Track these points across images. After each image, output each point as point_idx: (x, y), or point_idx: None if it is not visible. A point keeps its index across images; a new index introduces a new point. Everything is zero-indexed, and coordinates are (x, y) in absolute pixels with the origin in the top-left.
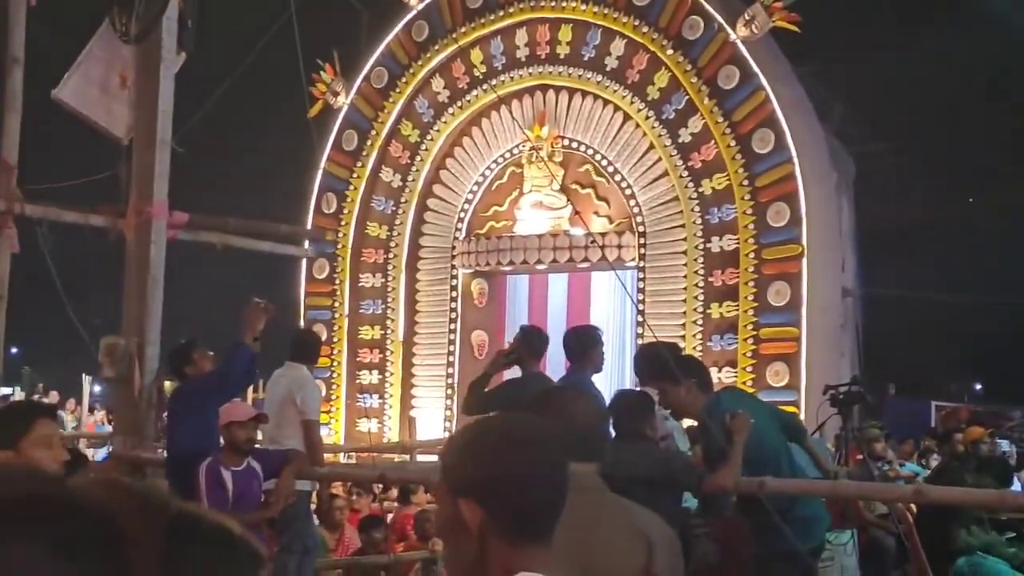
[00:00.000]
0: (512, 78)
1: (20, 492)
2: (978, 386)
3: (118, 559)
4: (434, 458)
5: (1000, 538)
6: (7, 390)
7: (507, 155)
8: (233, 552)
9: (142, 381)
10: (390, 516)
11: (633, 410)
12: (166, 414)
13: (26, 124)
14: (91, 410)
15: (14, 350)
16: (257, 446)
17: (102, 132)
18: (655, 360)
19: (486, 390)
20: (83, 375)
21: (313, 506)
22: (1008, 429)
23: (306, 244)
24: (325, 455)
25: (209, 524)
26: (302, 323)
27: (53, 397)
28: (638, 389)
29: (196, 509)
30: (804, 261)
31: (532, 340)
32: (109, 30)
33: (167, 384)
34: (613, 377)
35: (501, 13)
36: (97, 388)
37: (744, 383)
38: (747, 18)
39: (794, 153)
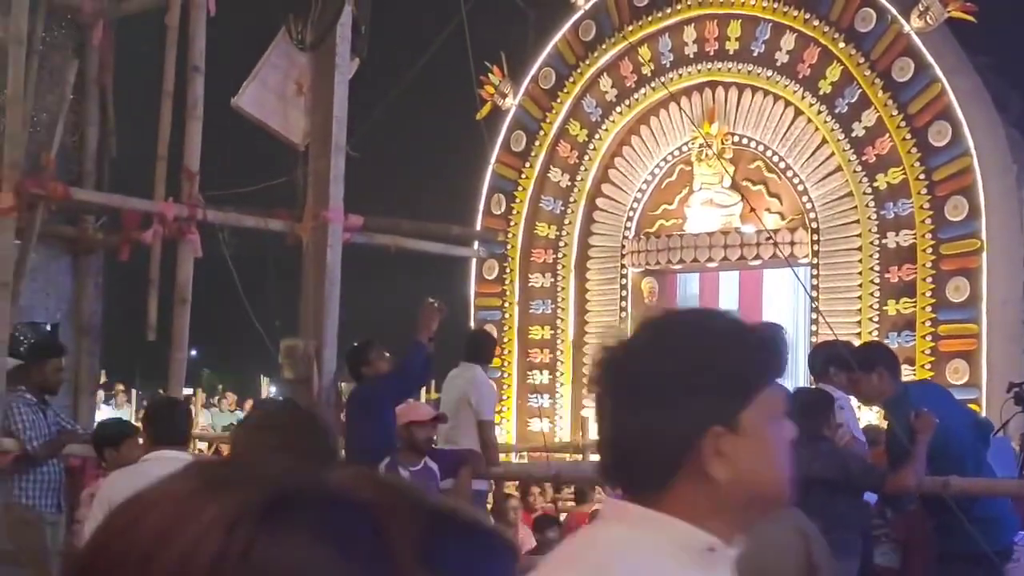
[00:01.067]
0: (680, 75)
1: (280, 484)
2: None
3: (381, 550)
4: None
5: None
6: (188, 391)
7: (676, 153)
8: (490, 546)
9: (320, 382)
10: (564, 516)
11: (810, 409)
12: (343, 415)
13: (206, 132)
14: None
15: (193, 352)
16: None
17: (279, 138)
18: (840, 353)
19: None
20: (261, 376)
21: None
22: None
23: (476, 245)
24: (500, 455)
25: (464, 518)
26: (472, 324)
27: (230, 399)
28: (814, 387)
29: (449, 503)
30: (983, 256)
31: None
32: (285, 38)
33: (344, 385)
34: (786, 376)
35: (669, 10)
36: (274, 389)
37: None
38: (921, 9)
39: (972, 146)
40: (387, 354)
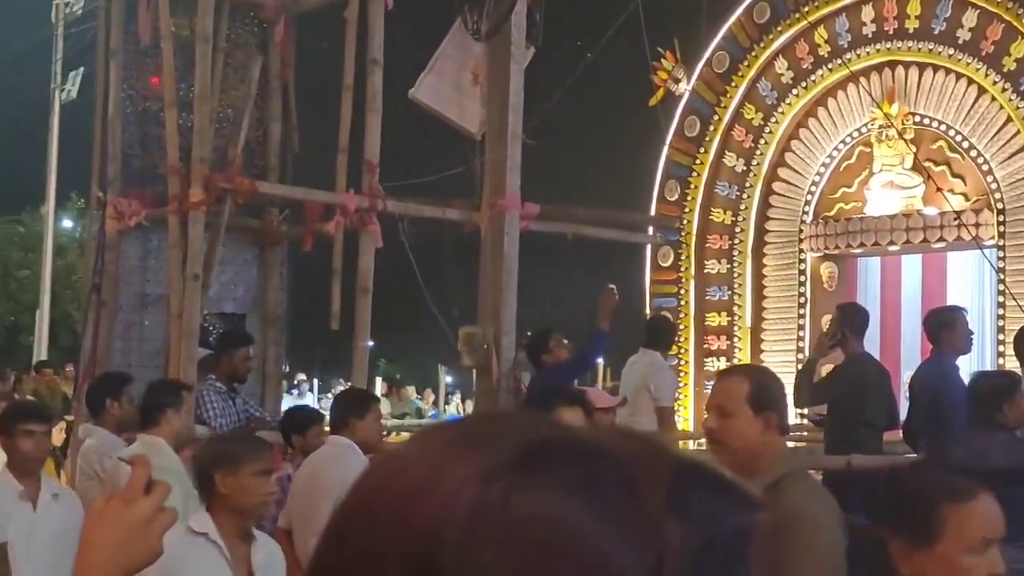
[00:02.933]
0: (859, 55)
1: (532, 438)
2: None
3: (631, 499)
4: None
5: None
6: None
7: (855, 134)
8: (734, 498)
9: (499, 369)
10: None
11: (986, 396)
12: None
13: (385, 123)
14: (446, 399)
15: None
16: None
17: (456, 128)
18: None
19: (815, 381)
20: (438, 365)
21: None
22: None
23: (651, 231)
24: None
25: (708, 470)
26: (648, 311)
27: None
28: (995, 371)
29: (693, 457)
30: None
31: (853, 318)
32: (461, 29)
33: (523, 373)
34: (972, 360)
35: None
36: (450, 378)
37: None
38: None
39: None
40: (566, 342)
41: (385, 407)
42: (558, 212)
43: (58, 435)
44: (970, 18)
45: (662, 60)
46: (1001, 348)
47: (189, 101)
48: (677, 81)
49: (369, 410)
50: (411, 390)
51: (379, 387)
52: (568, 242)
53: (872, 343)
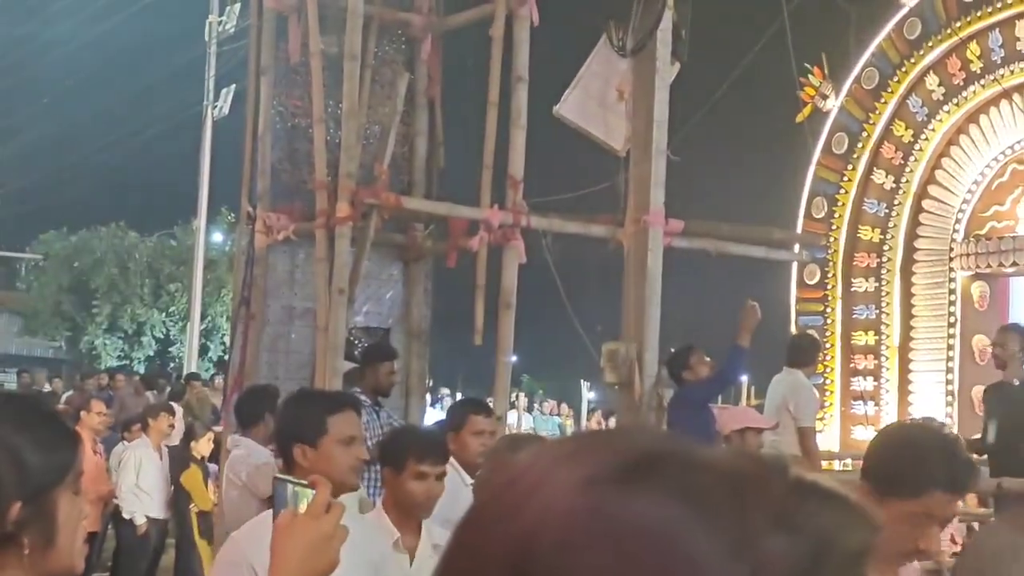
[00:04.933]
0: (1012, 71)
1: (639, 449)
2: None
3: (735, 512)
4: None
5: None
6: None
7: (1008, 151)
8: (849, 517)
9: (642, 386)
10: None
11: None
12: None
13: (530, 140)
14: (588, 416)
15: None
16: None
17: (601, 144)
18: None
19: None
20: (580, 381)
21: None
22: None
23: (797, 249)
24: (821, 462)
25: (827, 489)
26: (793, 329)
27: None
28: None
29: (814, 477)
30: None
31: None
32: (606, 45)
33: (665, 390)
34: None
35: (999, 4)
36: (593, 394)
37: None
38: None
39: None
40: (708, 359)
41: (528, 422)
42: (702, 228)
43: (206, 445)
44: None
45: (809, 76)
46: None
47: (337, 117)
48: (825, 97)
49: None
50: (552, 405)
51: (522, 402)
52: (712, 258)
53: None
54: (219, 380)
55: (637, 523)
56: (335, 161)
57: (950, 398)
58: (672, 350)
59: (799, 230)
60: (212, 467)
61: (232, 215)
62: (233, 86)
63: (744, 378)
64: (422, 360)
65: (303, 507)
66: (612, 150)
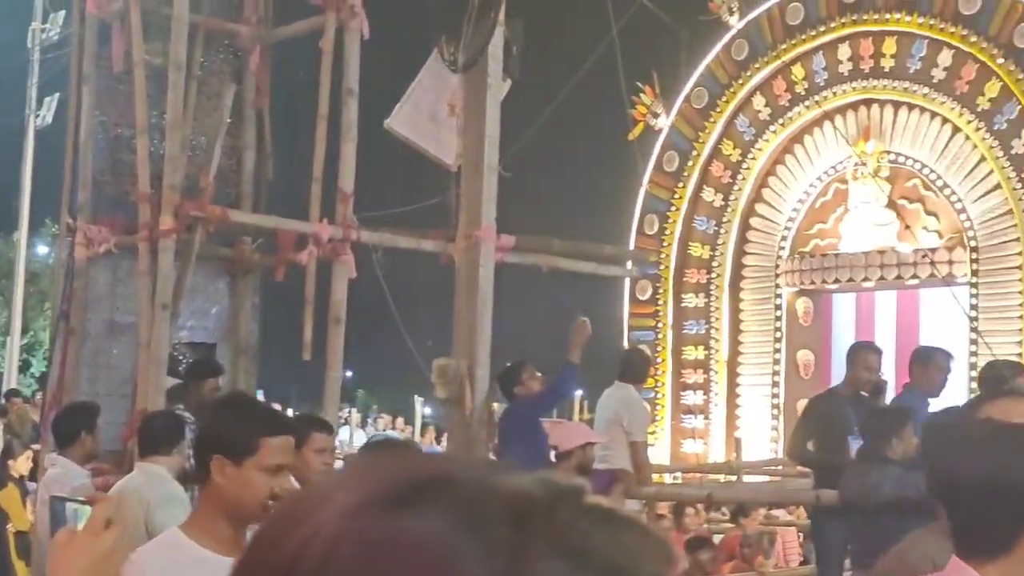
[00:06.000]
0: (835, 93)
1: (412, 475)
2: None
3: (512, 536)
4: (761, 478)
5: None
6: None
7: (831, 171)
8: (644, 545)
9: (473, 402)
10: (718, 538)
11: (875, 430)
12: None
13: (360, 154)
14: (422, 431)
15: (348, 373)
16: None
17: (432, 159)
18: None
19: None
20: (415, 397)
21: None
22: None
23: (629, 265)
24: (652, 475)
25: (621, 517)
26: (626, 344)
27: (384, 419)
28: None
29: (604, 502)
30: None
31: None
32: (438, 60)
33: (496, 405)
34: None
35: (823, 28)
36: (428, 410)
37: None
38: None
39: None
40: (539, 374)
41: (360, 438)
42: (534, 244)
43: (25, 463)
44: (945, 58)
45: (641, 95)
46: (974, 385)
47: (162, 128)
48: (656, 116)
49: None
50: (386, 421)
51: (354, 418)
52: (546, 274)
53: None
54: (40, 397)
55: (402, 548)
56: (159, 173)
57: (776, 411)
58: (508, 365)
59: (631, 246)
60: (31, 485)
61: (56, 227)
62: (57, 95)
63: (579, 392)
64: (249, 376)
65: (82, 525)
66: (444, 165)
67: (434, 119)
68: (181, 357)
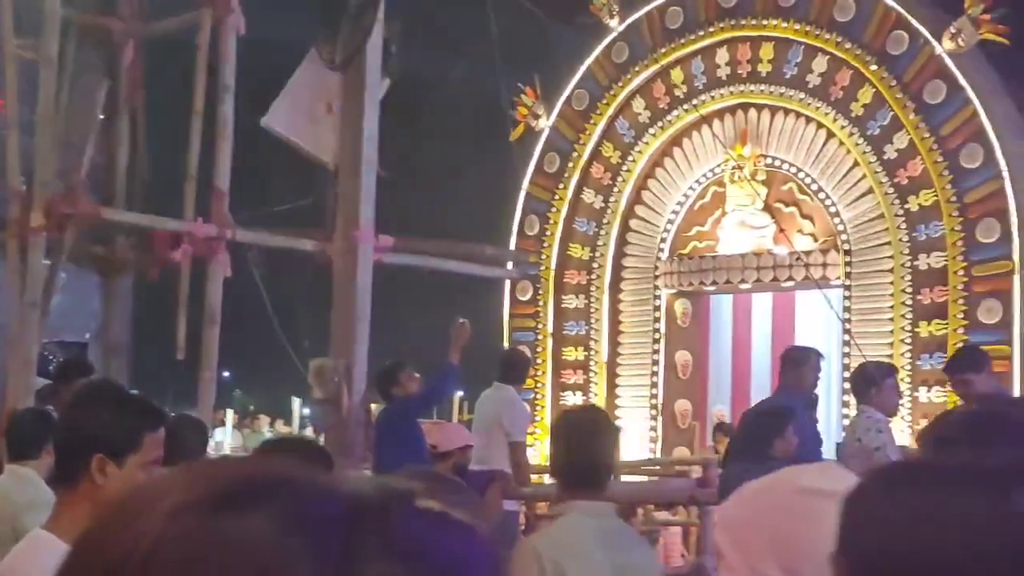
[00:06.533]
0: (713, 97)
1: (239, 476)
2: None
3: (342, 537)
4: (638, 478)
5: None
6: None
7: (709, 175)
8: (475, 547)
9: (350, 402)
10: None
11: (756, 430)
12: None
13: (236, 151)
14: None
15: (226, 373)
16: None
17: (309, 158)
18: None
19: None
20: (292, 397)
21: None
22: None
23: (509, 266)
24: (532, 476)
25: (456, 519)
26: (506, 345)
27: (261, 420)
28: (767, 406)
29: (439, 504)
30: (1016, 278)
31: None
32: (315, 58)
33: (373, 405)
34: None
35: (701, 33)
36: (307, 410)
37: (956, 403)
38: (953, 31)
39: (1004, 168)
40: (417, 375)
41: (237, 439)
42: (414, 245)
43: None
44: (820, 63)
45: (522, 96)
46: (846, 386)
47: (32, 125)
48: (537, 117)
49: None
50: (264, 421)
51: (230, 418)
52: (426, 275)
53: (723, 379)
54: None
55: (227, 548)
56: (30, 170)
57: (654, 411)
58: (385, 365)
59: (512, 247)
60: None
61: None
62: None
63: (459, 393)
64: (121, 376)
65: None
66: (321, 163)
67: (312, 117)
68: (52, 357)
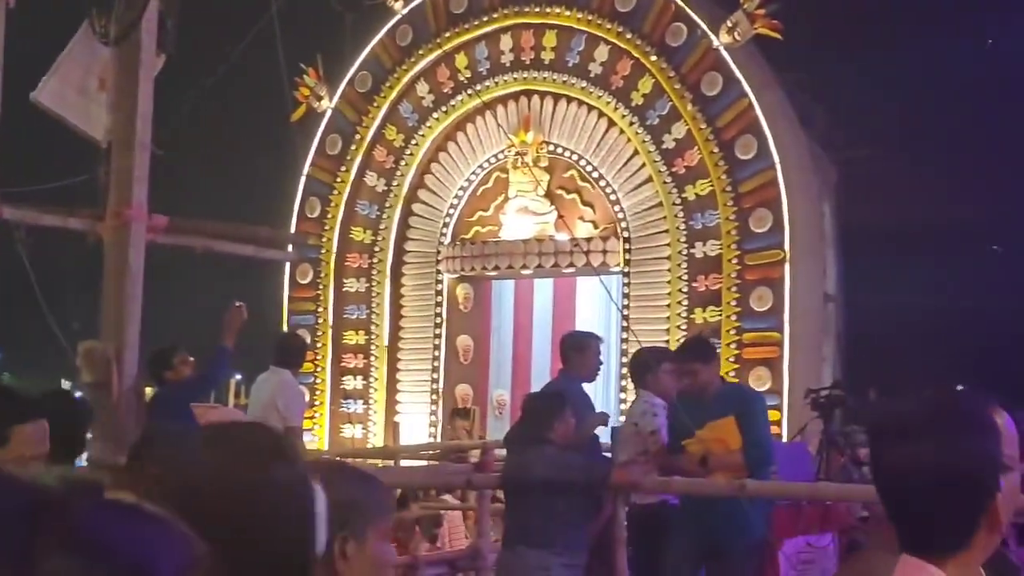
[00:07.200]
0: (497, 83)
1: None
2: (960, 389)
3: (28, 532)
4: (418, 463)
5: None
6: None
7: (492, 160)
8: (167, 538)
9: (121, 386)
10: None
11: (536, 415)
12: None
13: (4, 127)
14: None
15: None
16: None
17: (80, 135)
18: (697, 343)
19: None
20: (62, 380)
21: None
22: None
23: (289, 248)
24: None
25: (145, 511)
26: (286, 329)
27: None
28: (544, 392)
29: (131, 498)
30: (786, 267)
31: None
32: (88, 32)
33: (147, 389)
34: (597, 385)
35: (486, 18)
36: (77, 394)
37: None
38: (729, 25)
39: (776, 159)
40: (191, 359)
41: None
42: (188, 225)
43: None
44: (602, 53)
45: (304, 76)
46: (624, 371)
47: None
48: (320, 98)
49: None
50: None
51: None
52: (203, 257)
53: (504, 364)
54: None
55: None
56: None
57: (435, 396)
58: (158, 349)
59: (293, 229)
60: None
61: None
62: None
63: (238, 377)
64: None
65: None
66: (93, 141)
67: (84, 93)
68: None
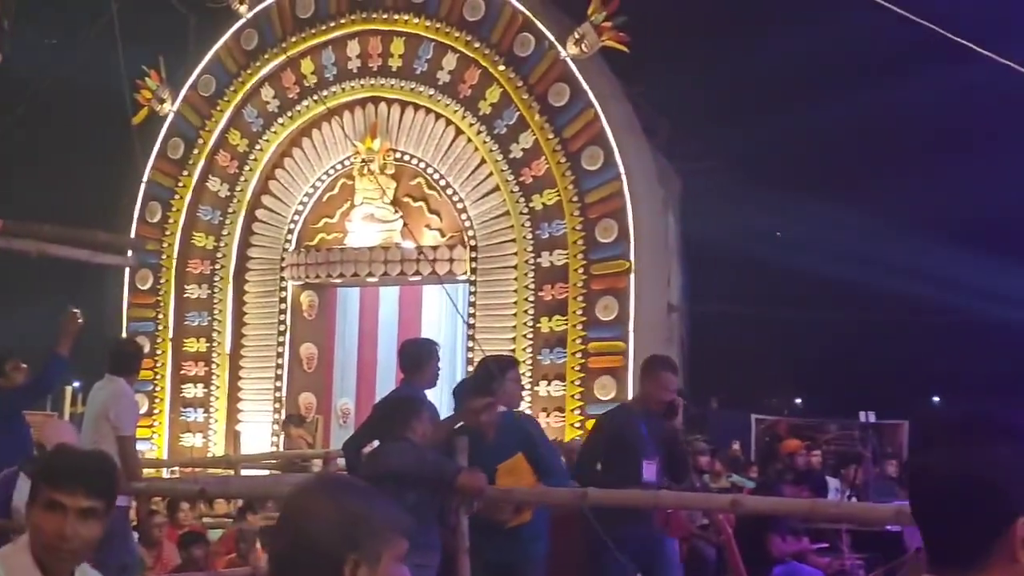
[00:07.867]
0: (344, 89)
1: None
2: (798, 400)
3: None
4: (260, 472)
5: (812, 546)
6: None
7: (338, 167)
8: None
9: None
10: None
11: (395, 413)
12: None
13: None
14: None
15: None
16: None
17: None
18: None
19: None
20: None
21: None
22: (824, 442)
23: (128, 253)
24: (147, 470)
25: None
26: (124, 335)
27: None
28: (401, 394)
29: None
30: (631, 277)
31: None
32: None
33: None
34: (444, 390)
35: (333, 24)
36: None
37: (572, 396)
38: (577, 37)
39: (622, 171)
40: (24, 365)
41: None
42: (23, 229)
43: None
44: (450, 61)
45: (146, 79)
46: None
47: None
48: (162, 101)
49: None
50: None
51: None
52: (38, 262)
53: (348, 372)
54: None
55: None
56: None
57: (278, 404)
58: None
59: (133, 234)
60: None
61: None
62: None
63: (76, 384)
64: None
65: None
66: None
67: None
68: None
